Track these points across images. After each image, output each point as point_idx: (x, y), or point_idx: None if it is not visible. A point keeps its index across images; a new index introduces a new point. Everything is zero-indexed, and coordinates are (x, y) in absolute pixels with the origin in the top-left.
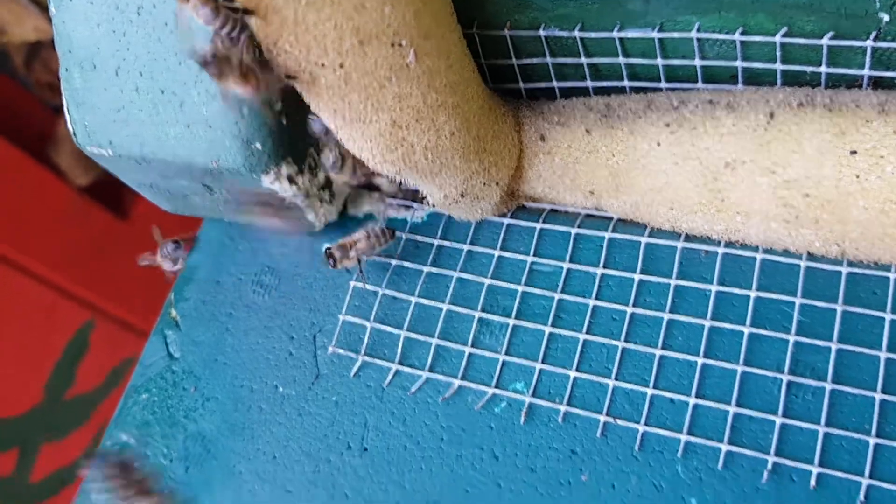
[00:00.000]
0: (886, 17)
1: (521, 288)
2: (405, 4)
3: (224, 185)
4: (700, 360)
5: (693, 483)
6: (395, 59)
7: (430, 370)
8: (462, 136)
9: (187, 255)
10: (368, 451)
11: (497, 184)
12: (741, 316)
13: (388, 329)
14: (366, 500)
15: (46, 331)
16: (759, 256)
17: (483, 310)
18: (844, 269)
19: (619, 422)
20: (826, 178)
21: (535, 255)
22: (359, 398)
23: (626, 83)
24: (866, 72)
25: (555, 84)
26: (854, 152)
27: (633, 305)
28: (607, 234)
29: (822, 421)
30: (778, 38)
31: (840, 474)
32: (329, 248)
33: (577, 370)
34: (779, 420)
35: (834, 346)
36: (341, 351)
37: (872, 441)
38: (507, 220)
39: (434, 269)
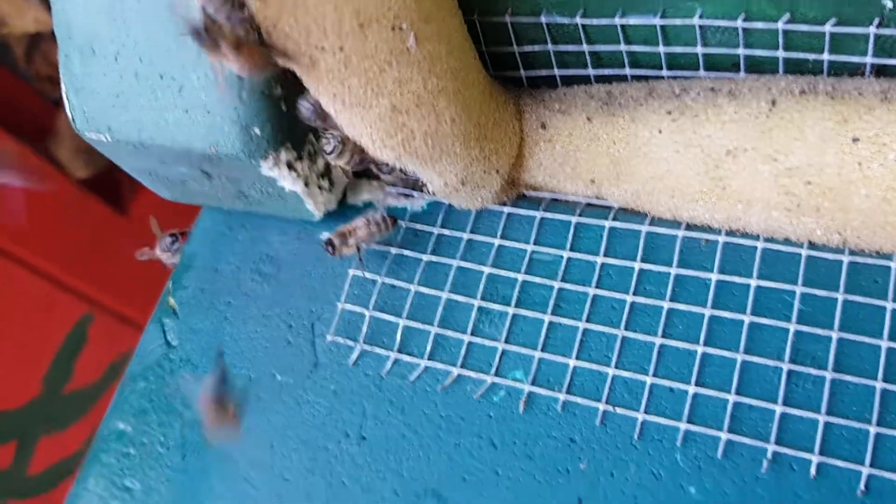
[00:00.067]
0: (890, 4)
1: (521, 276)
2: None
3: (222, 172)
4: (700, 349)
5: (692, 471)
6: (395, 42)
7: (430, 359)
8: (462, 123)
9: (183, 246)
10: (367, 440)
11: (497, 172)
12: (742, 305)
13: (387, 317)
14: (363, 488)
15: (45, 324)
16: (760, 245)
17: (483, 298)
18: (846, 258)
19: (619, 410)
20: (828, 166)
21: (535, 243)
22: (357, 387)
23: (627, 71)
24: (869, 59)
25: (556, 72)
26: (856, 140)
27: (634, 294)
28: (608, 223)
29: (823, 410)
30: (780, 25)
31: (840, 463)
32: (328, 236)
33: (577, 359)
34: (779, 409)
35: (835, 335)
36: (340, 339)
37: (873, 430)
38: (507, 209)
39: (434, 258)
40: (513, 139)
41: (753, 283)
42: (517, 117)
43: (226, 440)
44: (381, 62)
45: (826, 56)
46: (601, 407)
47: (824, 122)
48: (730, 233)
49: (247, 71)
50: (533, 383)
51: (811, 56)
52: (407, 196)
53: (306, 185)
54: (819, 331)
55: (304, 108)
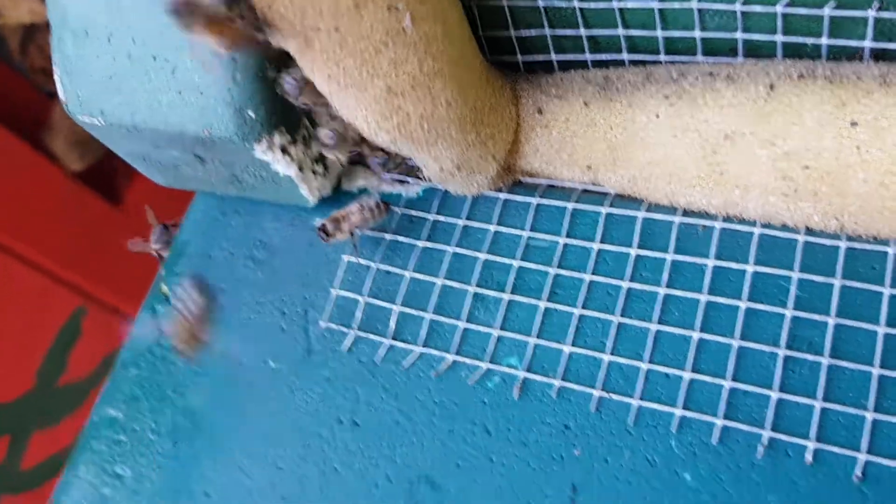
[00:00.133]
0: None
1: (516, 263)
2: None
3: (216, 156)
4: (696, 335)
5: (687, 458)
6: (390, 23)
7: (424, 345)
8: (458, 106)
9: (173, 237)
10: (360, 426)
11: (493, 157)
12: (738, 291)
13: (382, 304)
14: (356, 474)
15: (39, 317)
16: (757, 231)
17: (478, 285)
18: (843, 244)
19: (614, 396)
20: (826, 150)
21: (531, 230)
22: (351, 373)
23: (624, 56)
24: (868, 43)
25: (553, 57)
26: (855, 124)
27: (630, 280)
28: (604, 210)
29: (819, 396)
30: (779, 8)
31: (837, 449)
32: (321, 221)
33: (572, 345)
34: (775, 395)
35: (832, 321)
36: (333, 326)
37: (870, 416)
38: (503, 196)
39: (429, 244)
40: (509, 124)
41: (750, 269)
42: (514, 102)
43: (189, 359)
44: (377, 43)
45: (825, 40)
46: (596, 393)
47: (823, 106)
48: (727, 219)
49: (225, 48)
50: (528, 370)
51: (810, 40)
52: (402, 182)
53: (300, 169)
54: (816, 317)
55: (287, 83)
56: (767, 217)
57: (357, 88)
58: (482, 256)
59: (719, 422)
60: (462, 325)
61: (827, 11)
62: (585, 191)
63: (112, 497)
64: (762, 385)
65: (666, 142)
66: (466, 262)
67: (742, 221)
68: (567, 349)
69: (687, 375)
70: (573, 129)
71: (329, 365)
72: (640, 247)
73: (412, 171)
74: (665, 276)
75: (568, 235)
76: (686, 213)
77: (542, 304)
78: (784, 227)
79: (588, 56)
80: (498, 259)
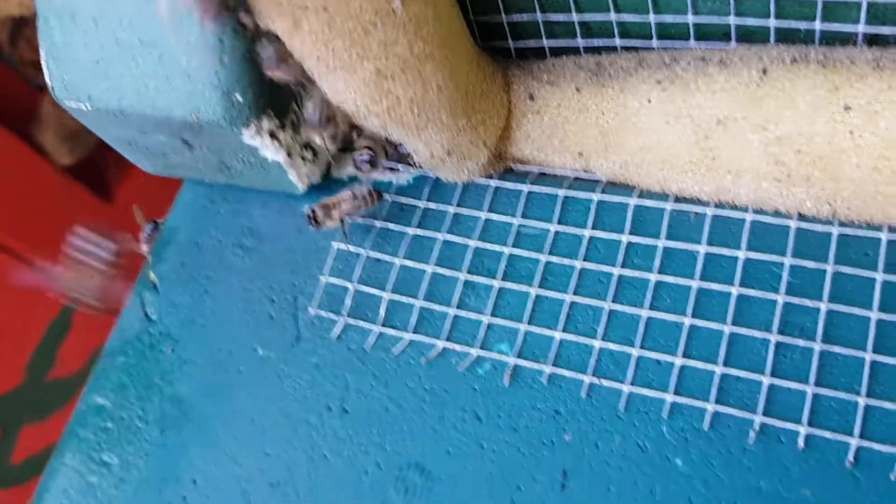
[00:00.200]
0: None
1: (507, 250)
2: None
3: (204, 141)
4: (687, 321)
5: (678, 443)
6: (380, 3)
7: (414, 332)
8: (449, 91)
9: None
10: (349, 413)
11: (485, 143)
12: (730, 277)
13: (372, 291)
14: (345, 461)
15: (29, 311)
16: (749, 217)
17: (468, 272)
18: (835, 230)
19: (605, 382)
20: (818, 135)
21: (522, 217)
22: (340, 360)
23: (617, 41)
24: (861, 28)
25: (545, 42)
26: (848, 108)
27: (621, 267)
28: (596, 196)
29: (811, 381)
30: None
31: (829, 435)
32: (311, 207)
33: (563, 331)
34: (767, 380)
35: (824, 307)
36: (323, 313)
37: (862, 401)
38: (494, 183)
39: (419, 231)
40: (500, 110)
41: (742, 255)
42: (505, 89)
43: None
44: (366, 23)
45: (818, 25)
46: (587, 379)
47: (815, 91)
48: (719, 205)
49: (201, 12)
50: (518, 356)
51: (803, 25)
52: (392, 170)
53: (289, 155)
54: (808, 302)
55: (265, 54)
56: (760, 203)
57: (346, 71)
58: (473, 244)
59: (711, 407)
60: (452, 312)
61: None
62: (577, 178)
63: (99, 485)
64: (754, 371)
65: (658, 127)
66: (457, 250)
67: (734, 208)
68: (558, 335)
69: (678, 361)
70: (565, 115)
71: (318, 352)
72: (631, 233)
73: (403, 158)
74: (657, 263)
75: (559, 222)
76: (678, 199)
77: (533, 291)
78: (776, 214)
79: (580, 42)
80: (489, 246)
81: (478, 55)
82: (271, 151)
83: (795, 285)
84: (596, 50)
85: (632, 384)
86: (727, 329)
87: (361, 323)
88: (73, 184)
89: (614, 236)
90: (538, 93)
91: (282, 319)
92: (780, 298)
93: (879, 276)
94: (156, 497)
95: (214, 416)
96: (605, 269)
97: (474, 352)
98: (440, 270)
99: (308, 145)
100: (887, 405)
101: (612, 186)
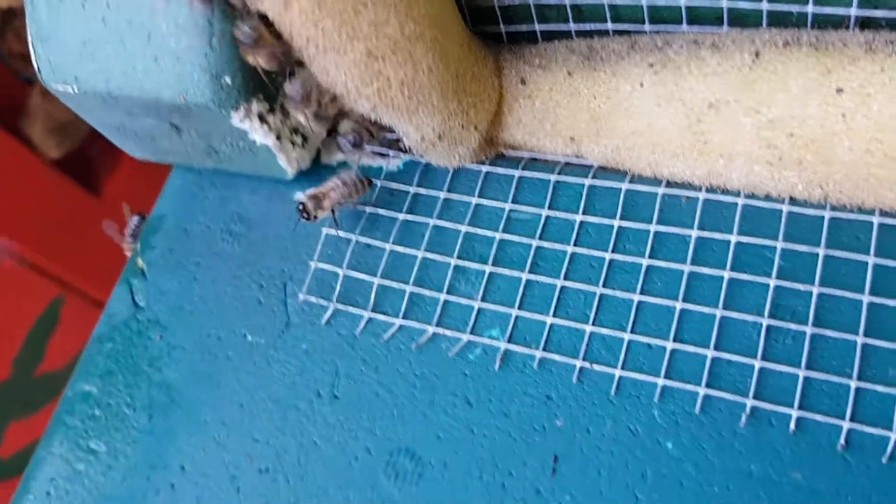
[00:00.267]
0: None
1: (498, 235)
2: None
3: (192, 125)
4: (679, 305)
5: (669, 427)
6: None
7: (404, 317)
8: (440, 73)
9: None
10: (339, 399)
11: (476, 128)
12: (721, 261)
13: (362, 276)
14: (335, 447)
15: (16, 306)
16: (741, 202)
17: (459, 257)
18: (827, 214)
19: (596, 367)
20: (811, 118)
21: (513, 202)
22: (330, 346)
23: (609, 26)
24: (853, 11)
25: (537, 27)
26: (840, 90)
27: (612, 252)
28: (587, 181)
29: (803, 364)
30: None
31: (820, 418)
32: (301, 199)
33: (554, 316)
34: (758, 364)
35: (815, 290)
36: (313, 299)
37: (854, 384)
38: (485, 168)
39: (409, 217)
40: (492, 95)
41: (734, 239)
42: (496, 73)
43: None
44: (357, 3)
45: (810, 8)
46: (578, 364)
47: (808, 73)
48: (710, 189)
49: None
50: (509, 341)
51: (795, 8)
52: (382, 155)
53: (278, 138)
54: (800, 286)
55: (242, 31)
56: (751, 187)
57: (336, 52)
58: (463, 229)
59: (702, 391)
60: (443, 297)
61: None
62: (568, 163)
63: (86, 472)
64: (745, 354)
65: (650, 111)
66: (448, 235)
67: (726, 192)
68: (549, 320)
69: (669, 345)
70: (556, 99)
71: (308, 338)
72: (622, 218)
73: (392, 144)
74: (648, 248)
75: (550, 207)
76: (669, 184)
77: (524, 276)
78: (768, 198)
79: (572, 26)
80: (479, 231)
81: (469, 38)
82: (260, 135)
83: (787, 269)
84: (588, 34)
85: (623, 369)
86: (718, 313)
87: (351, 308)
88: (62, 178)
89: (606, 221)
90: (530, 77)
91: (271, 305)
92: (772, 282)
93: (871, 260)
94: (144, 484)
95: (203, 403)
96: (597, 253)
97: (465, 337)
98: (430, 256)
99: (297, 130)
100: (879, 388)
101: (604, 171)
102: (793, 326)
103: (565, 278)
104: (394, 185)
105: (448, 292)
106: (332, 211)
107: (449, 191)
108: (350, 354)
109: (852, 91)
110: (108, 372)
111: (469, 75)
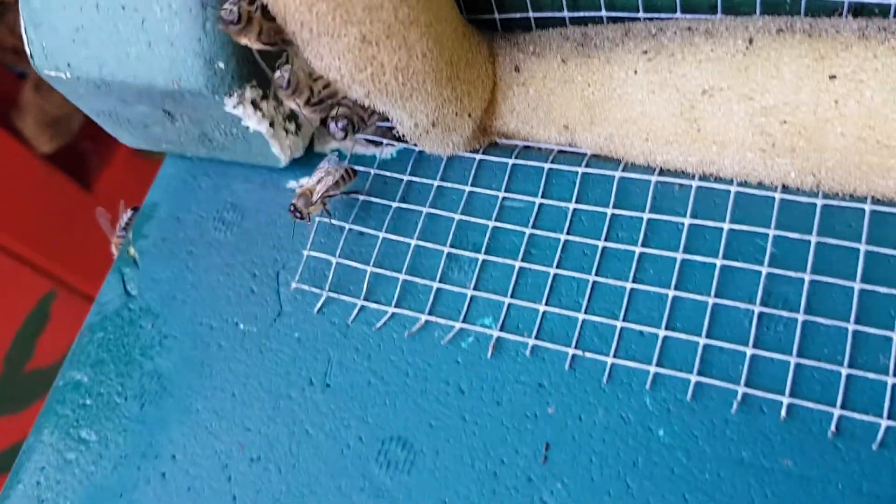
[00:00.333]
0: None
1: (491, 223)
2: None
3: (186, 111)
4: (671, 293)
5: (661, 414)
6: None
7: (397, 306)
8: (434, 59)
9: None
10: (331, 387)
11: (469, 115)
12: (714, 249)
13: (354, 265)
14: (327, 435)
15: (7, 301)
16: (734, 189)
17: (452, 245)
18: (819, 202)
19: (588, 355)
20: (804, 104)
21: (506, 190)
22: (322, 334)
23: (603, 13)
24: None
25: (531, 14)
26: (833, 77)
27: (605, 240)
28: (580, 170)
29: (794, 352)
30: None
31: (811, 405)
32: (291, 203)
33: (547, 304)
34: (749, 351)
35: (807, 278)
36: (305, 287)
37: (845, 371)
38: (478, 156)
39: (403, 205)
40: (486, 82)
41: (726, 226)
42: (490, 60)
43: None
44: None
45: None
46: (570, 351)
47: (801, 60)
48: (703, 177)
49: None
50: (502, 329)
51: None
52: (376, 143)
53: (271, 125)
54: (791, 273)
55: (225, 10)
56: (744, 174)
57: (330, 36)
58: (457, 217)
59: (693, 378)
60: (436, 285)
61: None
62: (561, 151)
63: (76, 461)
64: (737, 342)
65: (644, 98)
66: (441, 223)
67: (718, 180)
68: (541, 308)
69: (661, 333)
70: (550, 87)
71: (300, 326)
72: (616, 206)
73: (386, 132)
74: (641, 236)
75: (543, 196)
76: (662, 172)
77: (517, 264)
78: (760, 185)
79: (566, 13)
80: (473, 220)
81: (463, 25)
82: (254, 121)
83: (779, 257)
84: (582, 21)
85: (615, 356)
86: (711, 301)
87: (344, 297)
88: (54, 172)
89: (599, 209)
90: (524, 64)
91: (263, 294)
92: (764, 270)
93: (862, 248)
94: (134, 473)
95: (195, 392)
96: (590, 241)
97: (457, 325)
98: (423, 244)
99: (290, 117)
100: (870, 375)
101: (597, 159)
102: (784, 314)
103: (558, 266)
104: (387, 174)
105: (441, 280)
106: (323, 203)
107: (442, 179)
108: (342, 343)
109: (845, 77)
110: (100, 361)
111: (463, 62)
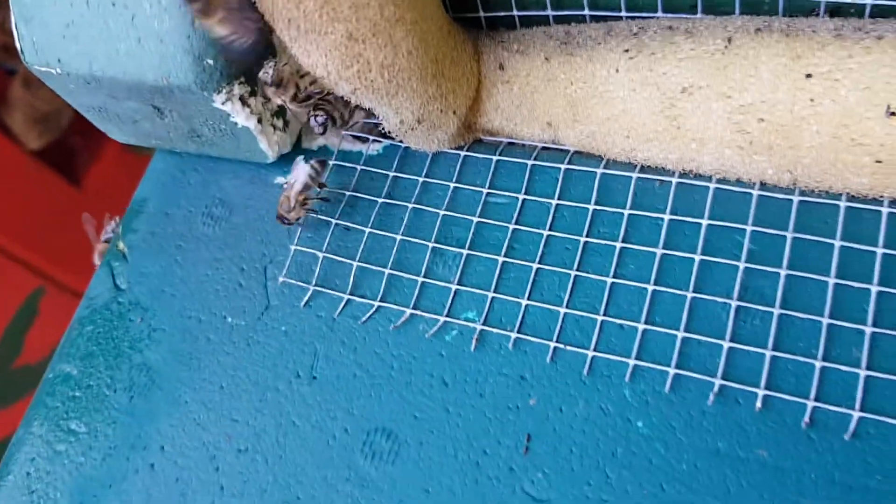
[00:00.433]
0: None
1: (475, 219)
2: None
3: (175, 107)
4: (651, 288)
5: (640, 406)
6: None
7: (382, 300)
8: (420, 57)
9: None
10: (317, 380)
11: (454, 112)
12: (693, 244)
13: (341, 259)
14: (313, 427)
15: None
16: (713, 186)
17: (437, 241)
18: (796, 198)
19: (569, 348)
20: (781, 102)
21: (490, 187)
22: (309, 328)
23: (586, 12)
24: None
25: (515, 13)
26: (809, 76)
27: (587, 235)
28: (563, 166)
29: (770, 345)
30: None
31: (786, 397)
32: (278, 214)
33: (529, 298)
34: (726, 344)
35: (783, 273)
36: (292, 281)
37: (819, 364)
38: (463, 153)
39: (388, 201)
40: (471, 80)
41: (705, 223)
42: (475, 58)
43: None
44: None
45: None
46: (552, 345)
47: (778, 59)
48: (683, 174)
49: None
50: (485, 323)
51: None
52: (363, 140)
53: (260, 122)
54: (768, 268)
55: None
56: (723, 171)
57: (317, 33)
58: (441, 212)
59: (672, 371)
60: (421, 279)
61: None
62: (545, 148)
63: (66, 452)
64: (714, 335)
65: (625, 96)
66: (426, 218)
67: (698, 177)
68: (524, 302)
69: (641, 326)
70: (534, 85)
71: (287, 320)
72: (597, 202)
73: (372, 129)
74: (622, 231)
75: (527, 192)
76: (643, 169)
77: (501, 259)
78: (739, 182)
79: (550, 12)
80: (457, 215)
81: (448, 23)
82: (242, 117)
83: (756, 252)
84: (566, 20)
85: (596, 349)
86: (689, 295)
87: (330, 291)
88: (42, 168)
89: (581, 205)
90: (508, 62)
91: (251, 288)
92: (741, 265)
93: (837, 243)
94: (123, 464)
95: (183, 384)
96: (572, 237)
97: (442, 319)
98: (409, 239)
99: (278, 114)
100: (843, 368)
101: (580, 156)
102: (761, 308)
103: (540, 261)
104: (373, 170)
105: (426, 275)
106: (303, 204)
107: (427, 175)
108: (329, 336)
109: (821, 76)
110: (89, 354)
111: (448, 60)
